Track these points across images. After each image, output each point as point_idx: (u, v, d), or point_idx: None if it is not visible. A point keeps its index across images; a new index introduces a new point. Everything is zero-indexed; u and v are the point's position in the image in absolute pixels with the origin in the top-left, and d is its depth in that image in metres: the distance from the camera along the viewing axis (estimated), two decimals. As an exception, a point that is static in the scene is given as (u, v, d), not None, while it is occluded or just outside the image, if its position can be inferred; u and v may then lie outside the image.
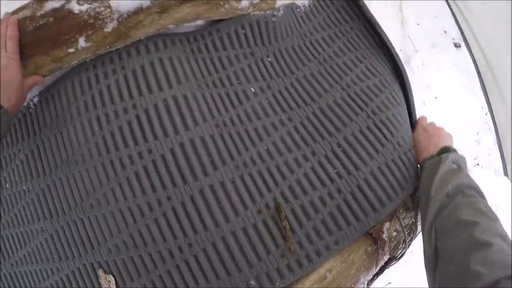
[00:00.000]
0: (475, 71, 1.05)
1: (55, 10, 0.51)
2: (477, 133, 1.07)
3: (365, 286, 0.55)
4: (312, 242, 0.49)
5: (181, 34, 0.56)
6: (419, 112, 0.92)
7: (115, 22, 0.51)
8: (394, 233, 0.55)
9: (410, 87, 0.66)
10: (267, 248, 0.47)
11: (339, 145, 0.55)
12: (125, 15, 0.51)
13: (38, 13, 0.52)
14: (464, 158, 0.56)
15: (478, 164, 1.09)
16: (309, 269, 0.48)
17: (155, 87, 0.50)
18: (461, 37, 1.03)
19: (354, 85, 0.60)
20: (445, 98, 1.00)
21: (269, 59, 0.59)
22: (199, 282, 0.45)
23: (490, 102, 1.10)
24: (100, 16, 0.51)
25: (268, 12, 0.58)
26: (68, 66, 0.52)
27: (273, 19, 0.59)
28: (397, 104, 0.62)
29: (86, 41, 0.50)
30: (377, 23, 0.66)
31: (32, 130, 0.56)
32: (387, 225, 0.54)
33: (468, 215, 0.43)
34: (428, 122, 0.66)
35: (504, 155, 1.10)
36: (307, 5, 0.64)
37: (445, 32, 1.04)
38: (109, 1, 0.51)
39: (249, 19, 0.57)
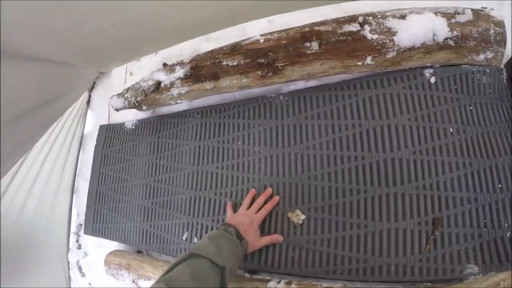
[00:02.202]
0: None
1: (352, 32, 0.73)
2: None
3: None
4: (452, 262, 0.63)
5: (402, 72, 0.74)
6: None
7: (394, 52, 0.72)
8: None
9: None
10: (412, 250, 0.65)
11: (503, 201, 0.66)
12: (402, 49, 0.72)
13: (339, 31, 0.74)
14: None
15: None
16: (433, 278, 0.62)
17: (377, 115, 0.73)
18: None
19: None
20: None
21: (471, 108, 0.72)
22: (359, 250, 0.68)
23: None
24: (385, 46, 0.72)
25: (478, 68, 0.73)
26: (351, 73, 0.74)
27: (478, 75, 0.73)
28: None
29: (372, 60, 0.72)
30: None
31: (274, 115, 0.83)
32: None
33: None
34: None
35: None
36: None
37: None
38: (393, 37, 0.72)
39: (460, 70, 0.74)
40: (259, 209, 0.75)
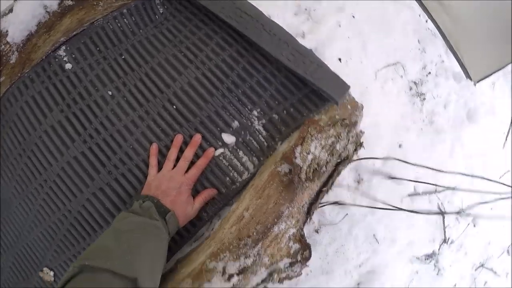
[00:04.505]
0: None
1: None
2: (419, 41, 1.01)
3: (301, 216, 0.51)
4: None
5: (36, 66, 0.61)
6: (334, 36, 0.89)
7: (16, 53, 0.60)
8: (310, 156, 0.49)
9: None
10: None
11: (196, 130, 0.57)
12: (21, 44, 0.60)
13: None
14: None
15: (430, 73, 1.01)
16: None
17: (30, 128, 0.60)
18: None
19: (209, 61, 0.59)
20: (366, 15, 0.92)
21: (123, 57, 0.61)
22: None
23: (429, 9, 1.04)
24: (3, 53, 0.60)
25: (113, 13, 0.62)
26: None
27: (117, 20, 0.62)
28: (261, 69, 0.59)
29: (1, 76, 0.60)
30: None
31: None
32: (298, 149, 0.48)
33: None
34: None
35: (463, 58, 1.03)
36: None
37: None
38: (6, 38, 0.60)
39: (94, 28, 0.62)
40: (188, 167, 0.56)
